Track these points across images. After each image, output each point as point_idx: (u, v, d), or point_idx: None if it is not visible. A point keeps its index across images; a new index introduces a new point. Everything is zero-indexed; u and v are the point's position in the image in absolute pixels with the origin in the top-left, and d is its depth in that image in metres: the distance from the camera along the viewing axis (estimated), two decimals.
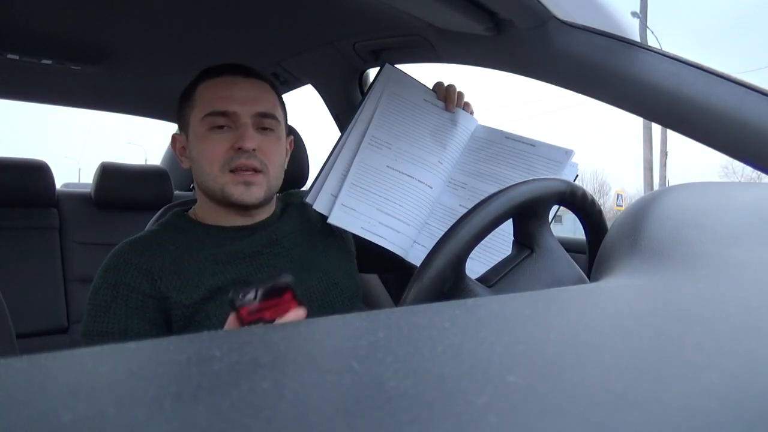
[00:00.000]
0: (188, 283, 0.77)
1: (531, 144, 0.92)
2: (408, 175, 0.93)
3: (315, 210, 0.90)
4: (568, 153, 0.89)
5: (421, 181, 0.93)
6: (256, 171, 0.81)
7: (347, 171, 0.92)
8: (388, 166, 0.92)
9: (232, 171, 0.80)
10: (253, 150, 0.80)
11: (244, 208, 0.83)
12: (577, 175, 0.91)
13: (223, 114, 0.80)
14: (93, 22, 1.11)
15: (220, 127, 0.80)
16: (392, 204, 0.92)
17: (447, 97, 0.95)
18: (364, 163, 0.92)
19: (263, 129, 0.83)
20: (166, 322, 0.76)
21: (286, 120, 0.91)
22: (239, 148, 0.79)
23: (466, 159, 0.96)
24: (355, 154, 0.92)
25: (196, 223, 0.86)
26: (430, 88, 0.97)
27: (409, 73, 0.96)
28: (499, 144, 0.94)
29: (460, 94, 0.96)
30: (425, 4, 0.83)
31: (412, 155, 0.93)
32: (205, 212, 0.86)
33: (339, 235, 0.96)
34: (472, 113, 0.98)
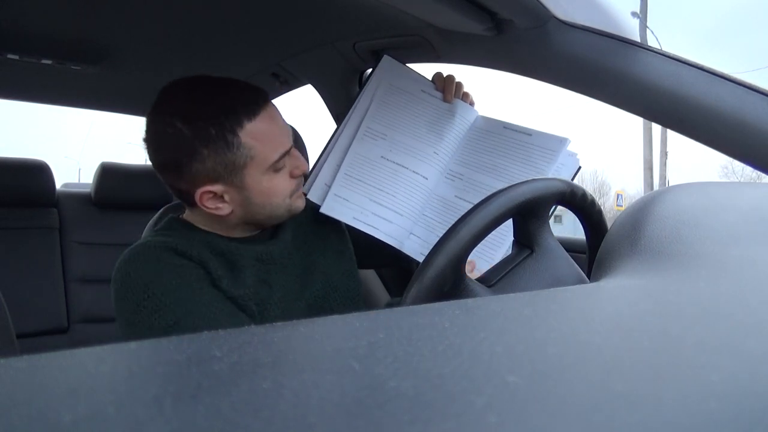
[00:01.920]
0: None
1: (528, 133, 0.90)
2: (402, 166, 0.92)
3: (305, 211, 0.90)
4: (562, 141, 0.87)
5: (415, 172, 0.93)
6: None
7: (342, 161, 0.92)
8: (382, 157, 0.92)
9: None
10: None
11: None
12: (579, 167, 0.88)
13: (286, 153, 0.78)
14: (93, 22, 1.11)
15: None
16: (385, 194, 0.91)
17: (445, 87, 0.94)
18: (358, 154, 0.92)
19: None
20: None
21: None
22: (300, 174, 0.81)
23: (464, 150, 0.95)
24: (350, 145, 0.93)
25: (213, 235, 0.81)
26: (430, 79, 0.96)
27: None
28: (497, 134, 0.93)
29: (459, 85, 0.95)
30: (425, 4, 0.83)
31: (408, 146, 0.93)
32: (213, 226, 0.81)
33: (335, 236, 0.95)
34: (472, 104, 0.97)
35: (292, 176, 0.80)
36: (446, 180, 0.94)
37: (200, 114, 0.71)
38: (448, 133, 0.94)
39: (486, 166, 0.92)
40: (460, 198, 0.92)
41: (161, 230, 0.80)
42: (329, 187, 0.91)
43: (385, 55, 0.95)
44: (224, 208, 0.76)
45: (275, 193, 0.78)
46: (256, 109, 0.73)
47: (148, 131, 0.74)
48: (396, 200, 0.92)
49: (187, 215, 0.83)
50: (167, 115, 0.72)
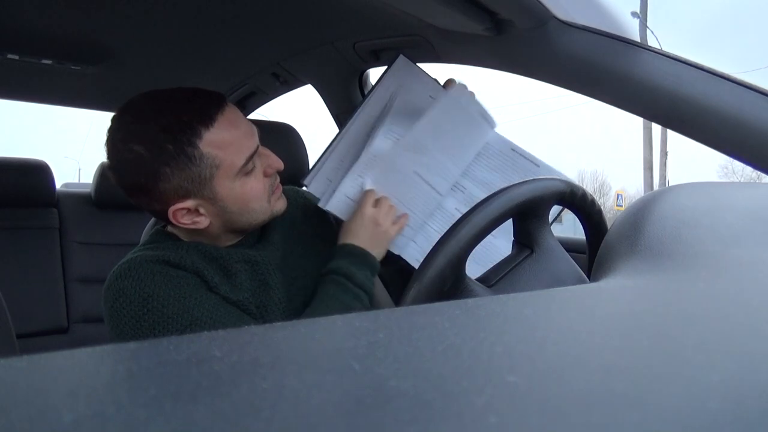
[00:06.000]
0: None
1: (535, 164, 0.90)
2: (429, 185, 0.91)
3: (295, 208, 0.88)
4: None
5: (438, 192, 0.92)
6: None
7: (363, 169, 0.89)
8: (414, 172, 0.90)
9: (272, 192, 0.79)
10: None
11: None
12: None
13: (254, 154, 0.75)
14: (93, 22, 1.11)
15: None
16: (404, 209, 0.90)
17: None
18: (391, 163, 0.89)
19: None
20: None
21: None
22: (273, 172, 0.78)
23: (471, 163, 0.94)
24: (362, 142, 0.90)
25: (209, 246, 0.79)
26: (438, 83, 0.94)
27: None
28: (504, 155, 0.92)
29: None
30: (425, 4, 0.83)
31: (442, 166, 0.91)
32: (197, 239, 0.79)
33: (324, 231, 0.93)
34: None
35: (265, 175, 0.77)
36: (450, 191, 0.94)
37: (154, 133, 0.68)
38: (470, 150, 0.93)
39: (489, 184, 0.92)
40: (459, 211, 0.92)
41: (149, 244, 0.78)
42: (351, 200, 0.89)
43: (401, 55, 0.92)
44: (202, 222, 0.74)
45: (252, 197, 0.75)
46: (213, 116, 0.70)
47: (108, 159, 0.72)
48: (414, 217, 0.91)
49: (171, 228, 0.81)
50: (123, 141, 0.69)
